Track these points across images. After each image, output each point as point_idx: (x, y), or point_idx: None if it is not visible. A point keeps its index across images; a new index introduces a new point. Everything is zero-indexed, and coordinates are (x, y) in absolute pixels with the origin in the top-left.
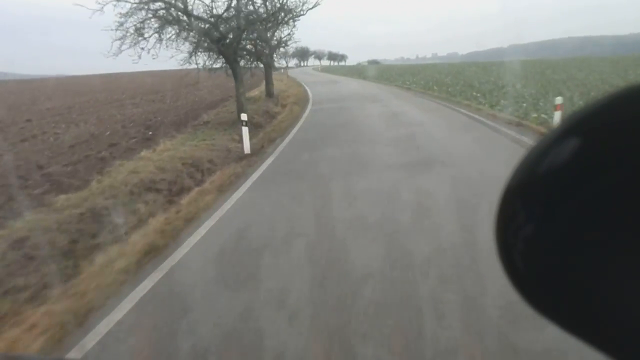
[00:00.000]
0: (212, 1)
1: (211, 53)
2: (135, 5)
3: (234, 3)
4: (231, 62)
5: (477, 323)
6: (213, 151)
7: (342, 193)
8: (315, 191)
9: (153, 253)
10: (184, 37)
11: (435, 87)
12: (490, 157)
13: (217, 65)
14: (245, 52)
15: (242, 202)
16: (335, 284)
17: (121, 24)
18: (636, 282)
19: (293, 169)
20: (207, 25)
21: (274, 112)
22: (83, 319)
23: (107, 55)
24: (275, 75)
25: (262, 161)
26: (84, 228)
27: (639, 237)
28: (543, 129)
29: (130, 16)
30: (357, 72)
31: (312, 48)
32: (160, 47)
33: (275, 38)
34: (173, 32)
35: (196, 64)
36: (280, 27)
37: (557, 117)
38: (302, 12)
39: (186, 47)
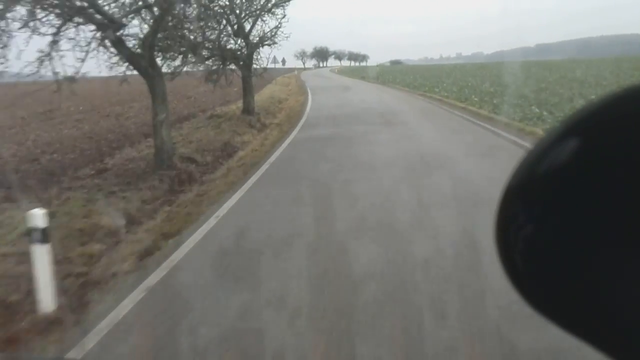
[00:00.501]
0: None
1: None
2: None
3: None
4: (138, 65)
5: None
6: None
7: None
8: None
9: None
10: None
11: (474, 98)
12: None
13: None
14: (171, 46)
15: None
16: None
17: None
18: (636, 281)
19: None
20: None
21: (238, 144)
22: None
23: None
24: (282, 79)
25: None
26: None
27: (638, 237)
28: None
29: None
30: (376, 74)
31: (331, 48)
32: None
33: (255, 32)
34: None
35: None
36: (263, 16)
37: None
38: None
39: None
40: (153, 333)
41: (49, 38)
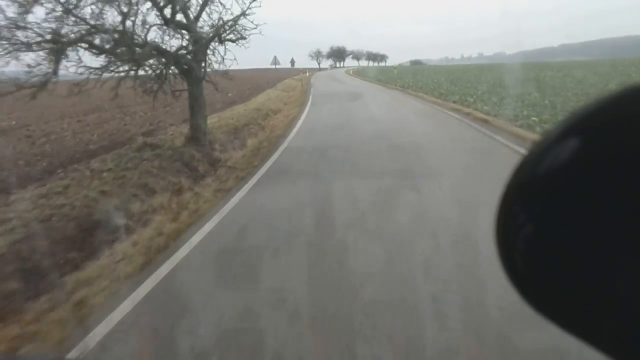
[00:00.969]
0: None
1: None
2: None
3: None
4: None
5: None
6: None
7: None
8: None
9: None
10: None
11: (534, 119)
12: None
13: None
14: None
15: None
16: None
17: None
18: (636, 282)
19: None
20: None
21: (132, 219)
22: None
23: None
24: (290, 81)
25: None
26: None
27: (638, 237)
28: None
29: None
30: (395, 77)
31: (349, 48)
32: None
33: (205, 21)
34: None
35: None
36: None
37: None
38: None
39: None
40: None
41: None
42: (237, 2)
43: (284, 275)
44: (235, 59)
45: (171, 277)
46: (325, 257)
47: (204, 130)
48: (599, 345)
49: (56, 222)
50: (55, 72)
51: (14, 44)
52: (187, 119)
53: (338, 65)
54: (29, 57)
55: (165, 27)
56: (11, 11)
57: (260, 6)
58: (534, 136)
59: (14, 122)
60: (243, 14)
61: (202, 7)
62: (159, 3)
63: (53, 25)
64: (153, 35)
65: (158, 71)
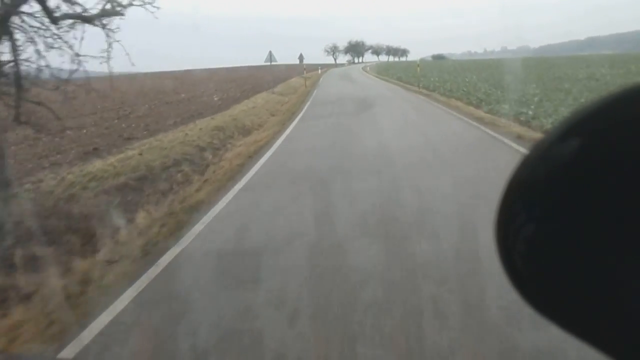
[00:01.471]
0: None
1: None
2: None
3: None
4: None
5: None
6: None
7: None
8: None
9: None
10: None
11: None
12: None
13: None
14: None
15: None
16: None
17: None
18: (636, 282)
19: None
20: None
21: None
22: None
23: None
24: (296, 80)
25: None
26: None
27: (638, 238)
28: None
29: None
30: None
31: (368, 42)
32: None
33: None
34: None
35: None
36: None
37: None
38: None
39: None
40: None
41: None
42: None
43: None
44: (106, 56)
45: None
46: None
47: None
48: (599, 345)
49: None
50: None
51: None
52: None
53: (356, 60)
54: None
55: None
56: None
57: None
58: None
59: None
60: None
61: None
62: None
63: None
64: None
65: None
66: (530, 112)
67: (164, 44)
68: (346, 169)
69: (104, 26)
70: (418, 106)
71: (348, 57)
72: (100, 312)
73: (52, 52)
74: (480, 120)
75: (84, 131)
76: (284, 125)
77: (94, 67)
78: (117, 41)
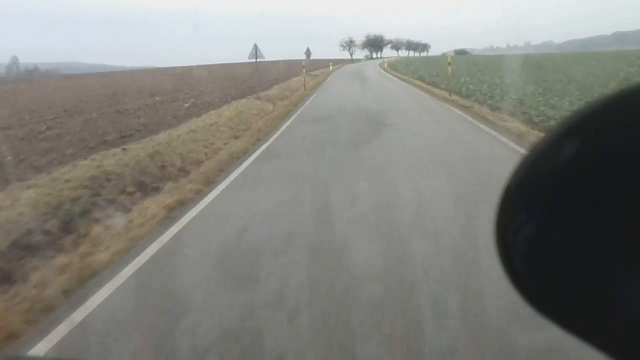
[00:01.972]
0: None
1: None
2: None
3: None
4: None
5: None
6: None
7: None
8: None
9: None
10: None
11: None
12: None
13: None
14: None
15: None
16: None
17: None
18: (636, 282)
19: None
20: None
21: None
22: None
23: None
24: (299, 80)
25: None
26: None
27: (639, 238)
28: None
29: None
30: (445, 73)
31: (387, 37)
32: None
33: None
34: None
35: None
36: None
37: None
38: None
39: None
40: None
41: None
42: None
43: None
44: None
45: None
46: None
47: None
48: (599, 345)
49: None
50: None
51: None
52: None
53: (375, 56)
54: None
55: None
56: None
57: None
58: None
59: None
60: None
61: None
62: None
63: None
64: None
65: None
66: None
67: (165, 39)
68: None
69: None
70: (459, 131)
71: (366, 53)
72: None
73: None
74: None
75: None
76: (230, 166)
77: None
78: None
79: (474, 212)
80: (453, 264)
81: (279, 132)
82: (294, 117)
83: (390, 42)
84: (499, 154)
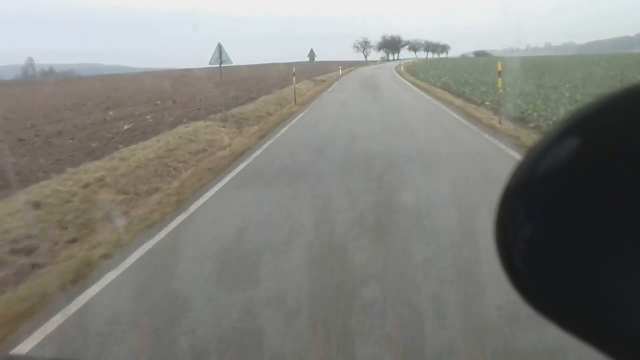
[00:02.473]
0: None
1: None
2: None
3: None
4: None
5: None
6: None
7: None
8: None
9: None
10: None
11: None
12: None
13: None
14: None
15: None
16: None
17: None
18: (636, 282)
19: None
20: None
21: None
22: None
23: None
24: (303, 86)
25: None
26: None
27: (638, 238)
28: None
29: None
30: (469, 76)
31: (405, 38)
32: None
33: None
34: None
35: None
36: None
37: None
38: None
39: None
40: None
41: None
42: None
43: None
44: None
45: None
46: None
47: None
48: (599, 345)
49: None
50: None
51: None
52: None
53: (391, 57)
54: None
55: None
56: None
57: None
58: None
59: None
60: None
61: None
62: None
63: None
64: None
65: None
66: None
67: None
68: None
69: None
70: None
71: (382, 54)
72: None
73: None
74: None
75: None
76: None
77: None
78: None
79: None
80: None
81: (191, 209)
82: (245, 164)
83: (407, 43)
84: None
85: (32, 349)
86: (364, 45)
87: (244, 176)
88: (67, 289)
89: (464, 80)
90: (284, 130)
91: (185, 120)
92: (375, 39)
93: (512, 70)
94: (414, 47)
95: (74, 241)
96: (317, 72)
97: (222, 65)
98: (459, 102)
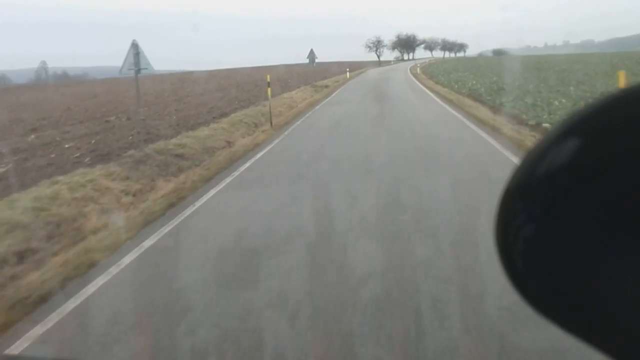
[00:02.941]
0: None
1: None
2: None
3: None
4: None
5: None
6: None
7: None
8: None
9: None
10: None
11: None
12: None
13: None
14: None
15: None
16: None
17: None
18: (635, 282)
19: None
20: None
21: None
22: None
23: None
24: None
25: None
26: None
27: (638, 238)
28: None
29: None
30: (498, 79)
31: (420, 36)
32: None
33: None
34: None
35: None
36: None
37: None
38: None
39: None
40: None
41: None
42: None
43: None
44: None
45: None
46: None
47: None
48: (599, 346)
49: None
50: None
51: None
52: None
53: (406, 57)
54: None
55: None
56: None
57: None
58: None
59: None
60: None
61: None
62: None
63: None
64: None
65: None
66: None
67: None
68: None
69: None
70: None
71: (396, 54)
72: None
73: None
74: None
75: None
76: None
77: None
78: None
79: None
80: None
81: None
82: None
83: (423, 41)
84: None
85: None
86: (377, 45)
87: None
88: None
89: (497, 87)
90: (219, 186)
91: (87, 160)
92: (389, 37)
93: (539, 70)
94: (430, 46)
95: None
96: (319, 76)
97: (140, 74)
98: (501, 120)
